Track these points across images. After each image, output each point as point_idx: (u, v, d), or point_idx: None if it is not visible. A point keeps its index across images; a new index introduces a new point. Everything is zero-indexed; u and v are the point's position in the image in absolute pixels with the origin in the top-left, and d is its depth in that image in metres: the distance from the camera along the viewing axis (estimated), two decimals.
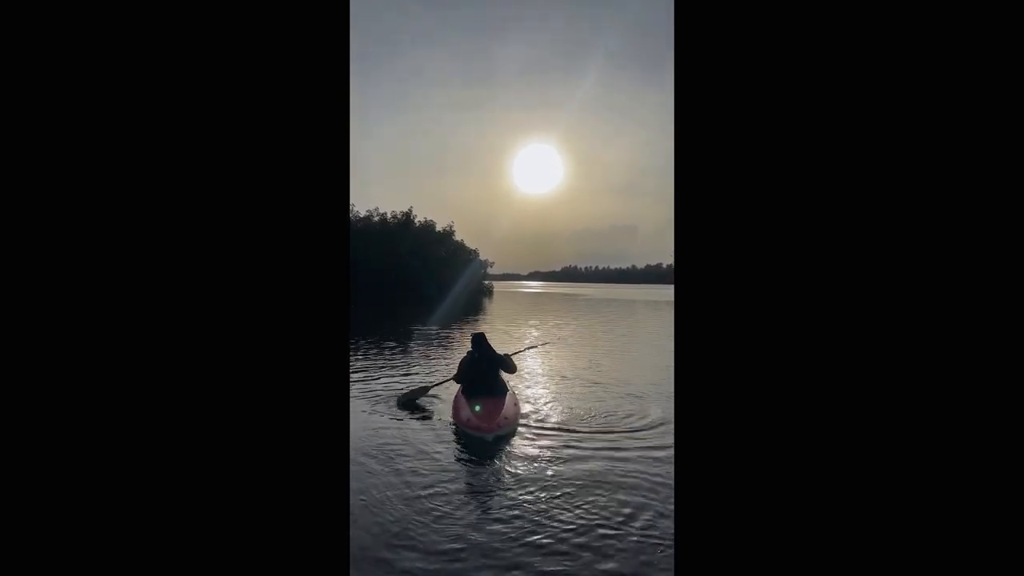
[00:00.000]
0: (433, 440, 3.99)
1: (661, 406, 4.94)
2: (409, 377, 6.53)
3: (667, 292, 51.40)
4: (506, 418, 4.19)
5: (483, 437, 3.96)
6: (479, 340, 4.97)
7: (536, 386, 6.04)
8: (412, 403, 5.03)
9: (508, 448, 3.82)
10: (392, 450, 3.71)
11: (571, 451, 3.75)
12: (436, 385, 5.37)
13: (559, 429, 4.27)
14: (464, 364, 4.96)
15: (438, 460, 3.57)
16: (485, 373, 4.80)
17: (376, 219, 32.50)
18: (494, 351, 4.96)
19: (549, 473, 3.32)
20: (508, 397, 4.69)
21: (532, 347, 6.35)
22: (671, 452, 3.64)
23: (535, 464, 3.50)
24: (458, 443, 3.97)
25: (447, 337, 11.20)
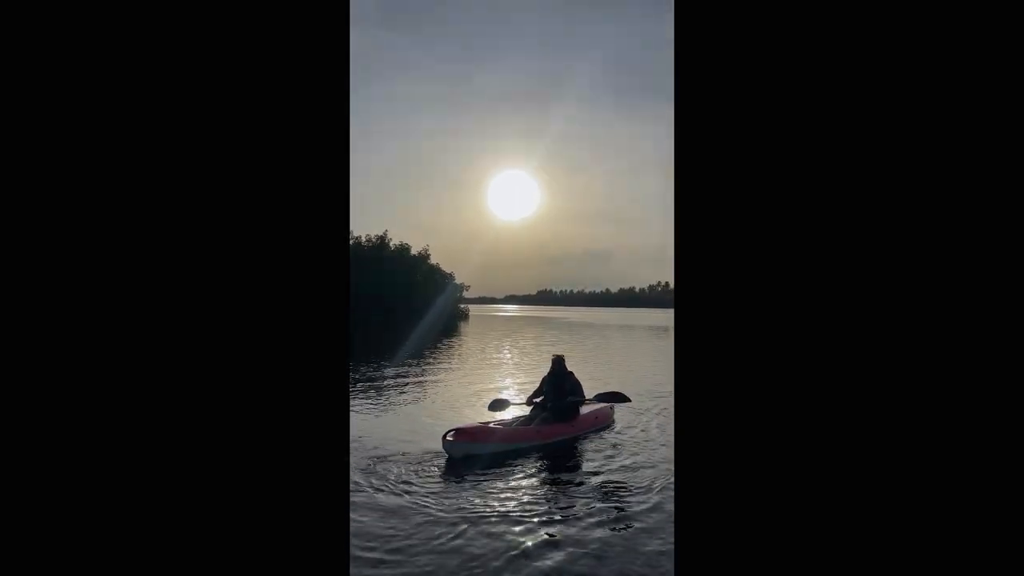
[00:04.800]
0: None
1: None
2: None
3: (641, 315, 52.60)
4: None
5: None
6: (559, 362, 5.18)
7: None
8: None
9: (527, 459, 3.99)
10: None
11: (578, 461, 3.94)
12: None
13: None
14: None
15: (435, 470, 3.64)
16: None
17: (350, 243, 32.27)
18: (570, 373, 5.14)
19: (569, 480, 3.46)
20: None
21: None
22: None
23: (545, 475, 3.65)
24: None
25: (416, 373, 9.13)
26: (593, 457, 4.12)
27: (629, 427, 5.08)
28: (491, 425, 4.50)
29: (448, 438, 3.95)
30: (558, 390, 4.94)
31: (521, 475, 3.64)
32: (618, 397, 5.05)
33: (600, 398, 5.10)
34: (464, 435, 4.01)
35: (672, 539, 2.41)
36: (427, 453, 4.05)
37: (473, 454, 3.89)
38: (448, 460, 3.85)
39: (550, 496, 3.26)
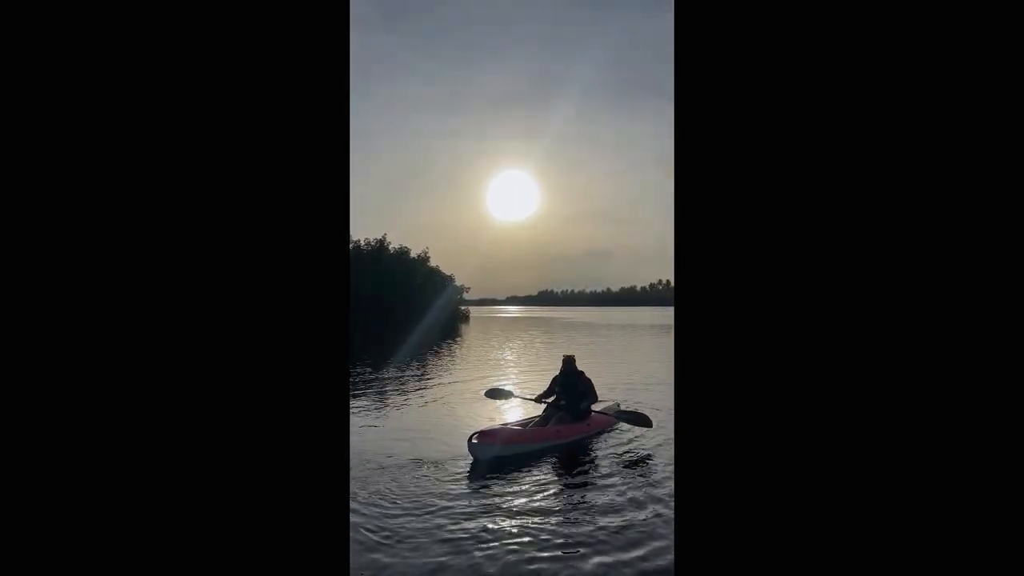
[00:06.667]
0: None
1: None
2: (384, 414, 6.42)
3: (643, 314, 52.70)
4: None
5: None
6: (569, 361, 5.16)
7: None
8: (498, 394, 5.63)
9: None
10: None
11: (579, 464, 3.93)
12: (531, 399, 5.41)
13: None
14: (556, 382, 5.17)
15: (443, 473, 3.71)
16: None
17: (350, 246, 32.26)
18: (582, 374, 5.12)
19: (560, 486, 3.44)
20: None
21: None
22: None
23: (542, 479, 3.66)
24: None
25: (419, 369, 10.49)
26: (609, 455, 4.25)
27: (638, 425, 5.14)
28: (511, 426, 4.59)
29: (473, 440, 3.99)
30: (570, 390, 4.97)
31: (542, 476, 3.71)
32: (640, 419, 4.84)
33: (620, 416, 5.06)
34: (487, 437, 4.05)
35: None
36: (428, 456, 4.07)
37: (496, 455, 3.94)
38: (473, 462, 3.90)
39: (565, 499, 3.31)
